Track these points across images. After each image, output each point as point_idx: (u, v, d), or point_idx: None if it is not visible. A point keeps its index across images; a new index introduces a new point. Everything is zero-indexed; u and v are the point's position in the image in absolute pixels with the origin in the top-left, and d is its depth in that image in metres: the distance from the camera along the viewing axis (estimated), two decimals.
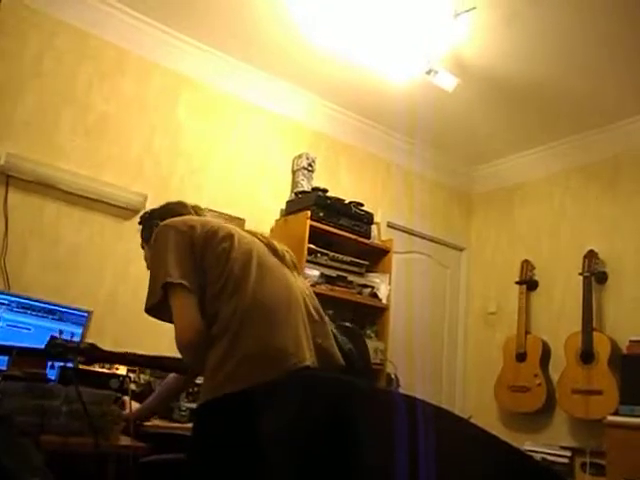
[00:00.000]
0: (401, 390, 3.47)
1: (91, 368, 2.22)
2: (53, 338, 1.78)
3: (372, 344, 3.58)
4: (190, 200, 1.91)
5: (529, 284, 4.27)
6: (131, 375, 2.42)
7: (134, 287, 3.13)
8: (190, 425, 2.16)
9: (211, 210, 3.38)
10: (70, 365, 1.81)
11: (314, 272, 3.46)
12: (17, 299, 2.50)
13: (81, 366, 2.05)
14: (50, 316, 2.54)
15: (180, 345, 1.45)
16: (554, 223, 4.35)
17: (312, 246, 3.49)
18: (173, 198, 1.93)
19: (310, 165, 3.90)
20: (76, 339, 2.48)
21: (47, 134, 3.07)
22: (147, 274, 1.58)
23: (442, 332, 4.67)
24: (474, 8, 2.94)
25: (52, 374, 2.10)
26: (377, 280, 3.80)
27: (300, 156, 3.91)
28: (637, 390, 3.28)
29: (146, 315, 1.57)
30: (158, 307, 1.50)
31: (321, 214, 3.56)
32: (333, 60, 3.57)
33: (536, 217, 4.48)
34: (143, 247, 1.89)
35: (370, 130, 4.34)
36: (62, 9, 3.15)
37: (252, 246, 1.59)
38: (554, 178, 4.42)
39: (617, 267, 3.87)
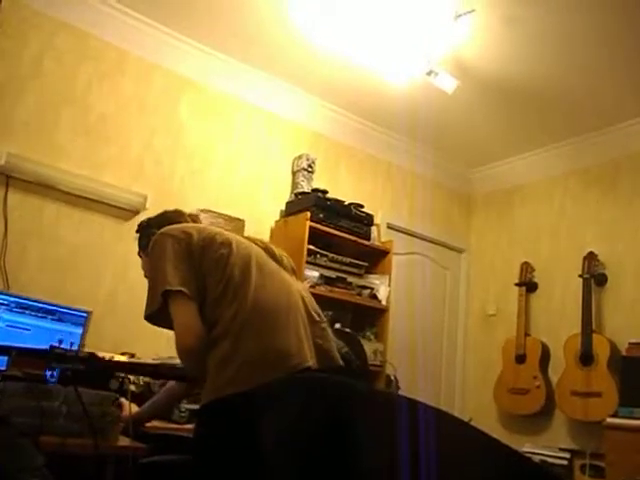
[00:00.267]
0: (401, 392, 3.47)
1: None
2: (53, 348, 1.78)
3: (371, 345, 3.58)
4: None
5: (529, 286, 4.27)
6: (130, 376, 2.41)
7: (134, 287, 3.13)
8: (190, 426, 2.17)
9: (211, 211, 3.38)
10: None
11: (314, 273, 3.46)
12: (16, 299, 2.49)
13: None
14: (49, 316, 2.53)
15: (181, 351, 1.46)
16: (554, 225, 4.35)
17: (312, 247, 3.49)
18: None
19: (310, 166, 3.90)
20: (75, 348, 2.46)
21: (47, 134, 3.07)
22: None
23: (442, 334, 4.67)
24: (473, 10, 2.95)
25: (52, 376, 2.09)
26: (377, 281, 3.80)
27: (300, 157, 3.91)
28: (636, 392, 3.28)
29: None
30: (157, 314, 1.51)
31: (321, 215, 3.56)
32: (333, 61, 3.57)
33: (536, 219, 4.48)
34: (140, 255, 1.90)
35: (370, 131, 4.34)
36: (62, 10, 3.15)
37: (250, 251, 1.60)
38: (554, 180, 4.42)
39: (617, 269, 3.87)
